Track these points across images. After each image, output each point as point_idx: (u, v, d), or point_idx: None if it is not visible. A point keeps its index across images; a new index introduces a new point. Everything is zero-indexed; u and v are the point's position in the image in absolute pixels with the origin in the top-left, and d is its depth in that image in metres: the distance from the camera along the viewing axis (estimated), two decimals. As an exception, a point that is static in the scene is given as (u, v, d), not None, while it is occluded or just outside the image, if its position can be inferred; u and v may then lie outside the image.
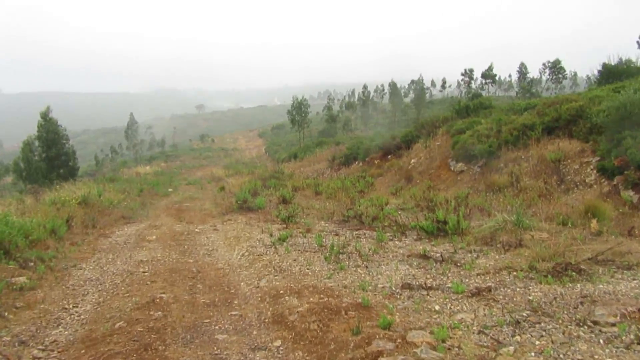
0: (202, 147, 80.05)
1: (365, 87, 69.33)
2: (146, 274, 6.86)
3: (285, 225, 10.37)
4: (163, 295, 5.60)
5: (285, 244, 8.28)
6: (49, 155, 31.19)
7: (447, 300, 4.89)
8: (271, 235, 9.16)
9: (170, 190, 24.70)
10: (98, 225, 12.25)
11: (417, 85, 61.81)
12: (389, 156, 24.49)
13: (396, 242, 8.00)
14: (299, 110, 52.10)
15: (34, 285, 6.17)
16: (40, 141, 31.39)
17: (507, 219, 8.09)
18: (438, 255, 6.78)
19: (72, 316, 5.11)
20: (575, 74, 74.15)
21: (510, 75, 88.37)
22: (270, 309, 4.97)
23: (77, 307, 5.42)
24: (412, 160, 20.72)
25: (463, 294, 5.00)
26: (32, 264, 7.33)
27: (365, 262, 6.62)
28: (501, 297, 4.87)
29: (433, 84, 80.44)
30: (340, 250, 7.28)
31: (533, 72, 60.95)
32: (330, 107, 70.95)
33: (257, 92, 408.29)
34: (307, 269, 6.55)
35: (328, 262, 6.80)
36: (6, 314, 5.00)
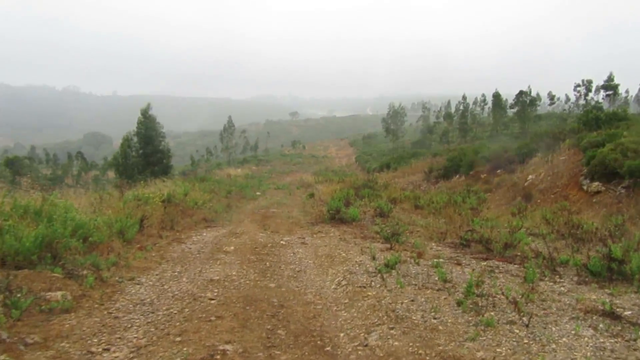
0: (293, 153, 80.00)
1: (464, 97, 65.60)
2: (213, 302, 5.18)
3: (389, 246, 8.39)
4: (228, 347, 3.83)
5: (394, 272, 6.31)
6: (145, 152, 31.52)
7: None
8: (374, 258, 7.21)
9: (258, 193, 23.67)
10: (177, 227, 11.03)
11: (524, 97, 57.14)
12: (498, 170, 21.69)
13: (551, 285, 5.74)
14: (394, 118, 49.81)
15: (69, 307, 4.70)
16: (138, 137, 31.84)
17: None
18: (632, 314, 4.50)
19: (93, 371, 3.50)
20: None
21: (627, 91, 79.96)
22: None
23: (107, 351, 3.81)
24: (530, 177, 17.91)
25: None
26: (84, 272, 5.96)
27: (522, 317, 4.48)
28: None
29: (538, 97, 74.66)
30: (476, 292, 5.19)
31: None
32: (426, 117, 67.92)
33: (350, 101, 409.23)
34: (435, 318, 4.53)
35: (463, 309, 4.74)
36: (3, 357, 3.46)
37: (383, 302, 5.05)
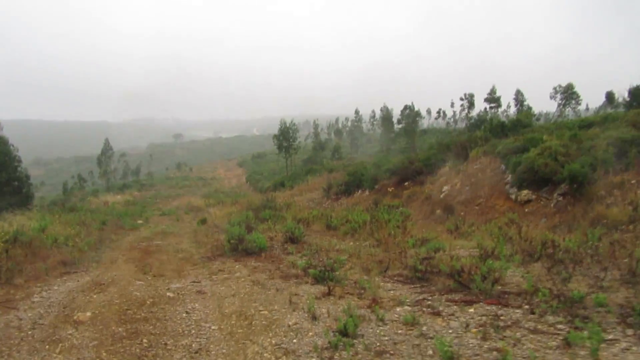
0: (179, 176, 75.62)
1: (357, 111, 65.73)
2: None
3: (325, 289, 5.94)
4: None
5: (359, 344, 3.88)
6: (-2, 181, 26.48)
7: None
8: (314, 317, 4.73)
9: (140, 222, 20.16)
10: (18, 278, 7.75)
11: (409, 112, 58.42)
12: (406, 183, 20.36)
13: (608, 348, 3.67)
14: (286, 135, 47.93)
15: None
16: (-14, 164, 26.75)
17: None
18: None
19: None
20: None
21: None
22: None
23: None
24: (445, 188, 16.56)
25: None
26: None
27: None
28: None
29: (418, 113, 77.65)
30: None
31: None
32: (317, 134, 67.15)
33: (235, 122, 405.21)
34: None
35: None
36: None
37: None
